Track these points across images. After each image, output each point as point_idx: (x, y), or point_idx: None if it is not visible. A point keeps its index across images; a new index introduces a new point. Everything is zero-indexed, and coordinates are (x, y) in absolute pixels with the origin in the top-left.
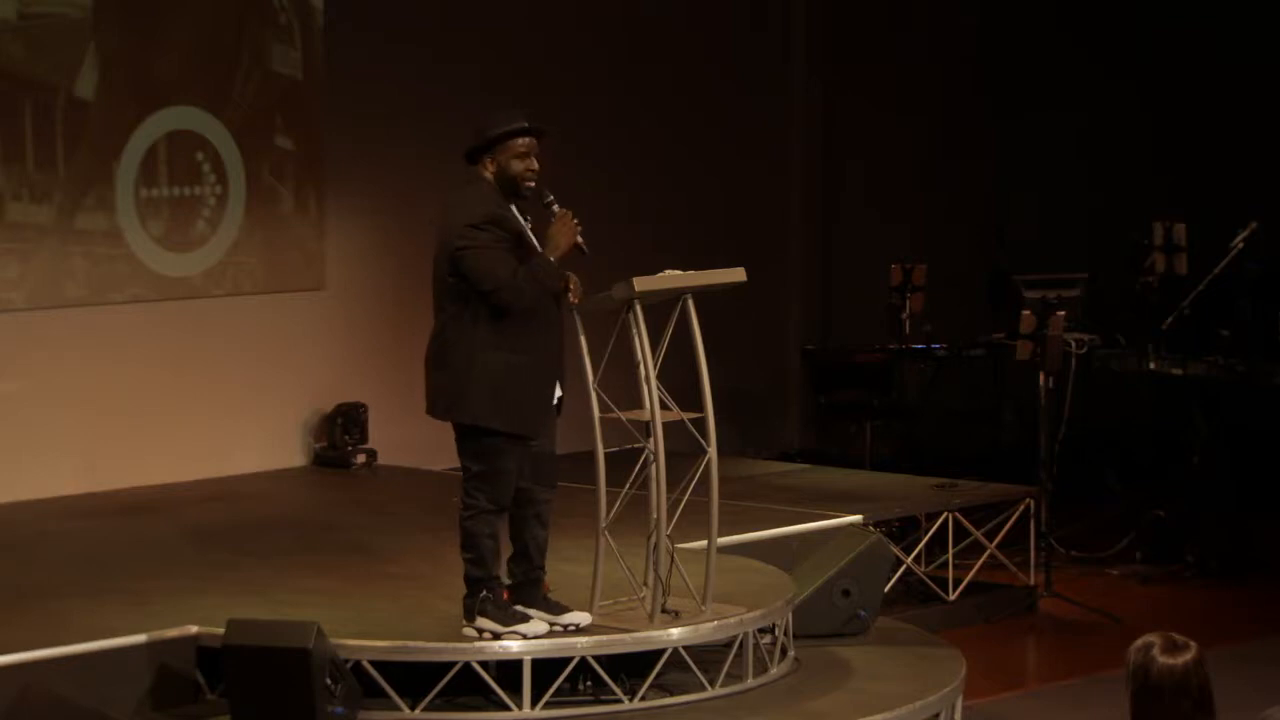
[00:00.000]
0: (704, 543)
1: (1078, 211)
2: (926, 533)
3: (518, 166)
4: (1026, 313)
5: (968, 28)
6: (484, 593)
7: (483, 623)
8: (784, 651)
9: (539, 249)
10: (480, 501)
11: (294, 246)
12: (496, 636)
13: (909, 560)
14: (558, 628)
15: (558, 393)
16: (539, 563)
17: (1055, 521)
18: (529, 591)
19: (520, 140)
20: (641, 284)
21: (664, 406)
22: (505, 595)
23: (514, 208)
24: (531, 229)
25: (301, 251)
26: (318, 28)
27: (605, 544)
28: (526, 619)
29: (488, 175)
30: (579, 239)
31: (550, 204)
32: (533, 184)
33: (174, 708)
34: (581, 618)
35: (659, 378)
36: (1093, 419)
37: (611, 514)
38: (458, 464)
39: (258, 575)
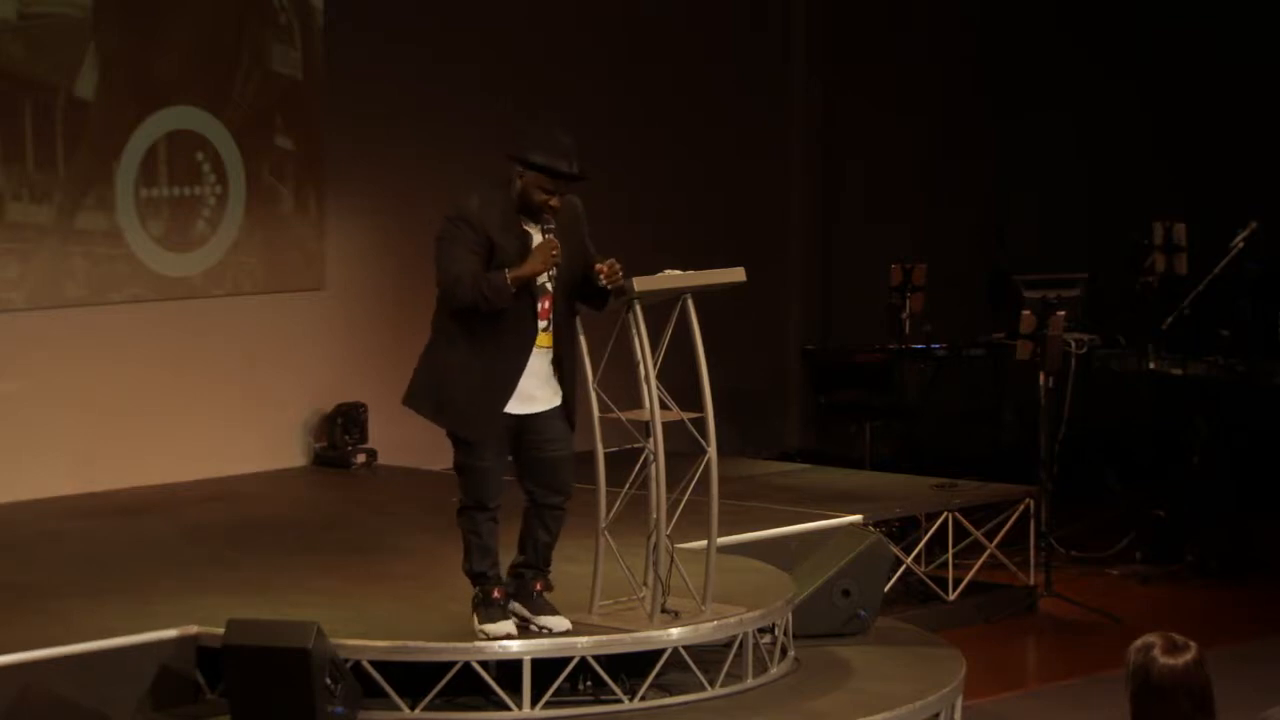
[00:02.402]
0: (704, 543)
1: (1078, 211)
2: (926, 533)
3: (539, 197)
4: (1026, 313)
5: (968, 28)
6: (476, 589)
7: (474, 620)
8: (784, 651)
9: (507, 264)
10: (462, 497)
11: (294, 246)
12: (488, 635)
13: (909, 560)
14: (533, 627)
15: (555, 400)
16: (531, 561)
17: (1055, 521)
18: (517, 586)
19: (552, 180)
20: (641, 284)
21: (664, 406)
22: (497, 593)
23: (524, 219)
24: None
25: (301, 251)
26: (318, 28)
27: (605, 544)
28: (496, 620)
29: (516, 184)
30: (549, 271)
31: (547, 231)
32: (549, 215)
33: (174, 708)
34: (558, 623)
35: (659, 378)
36: (1093, 419)
37: (611, 514)
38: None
39: (258, 575)
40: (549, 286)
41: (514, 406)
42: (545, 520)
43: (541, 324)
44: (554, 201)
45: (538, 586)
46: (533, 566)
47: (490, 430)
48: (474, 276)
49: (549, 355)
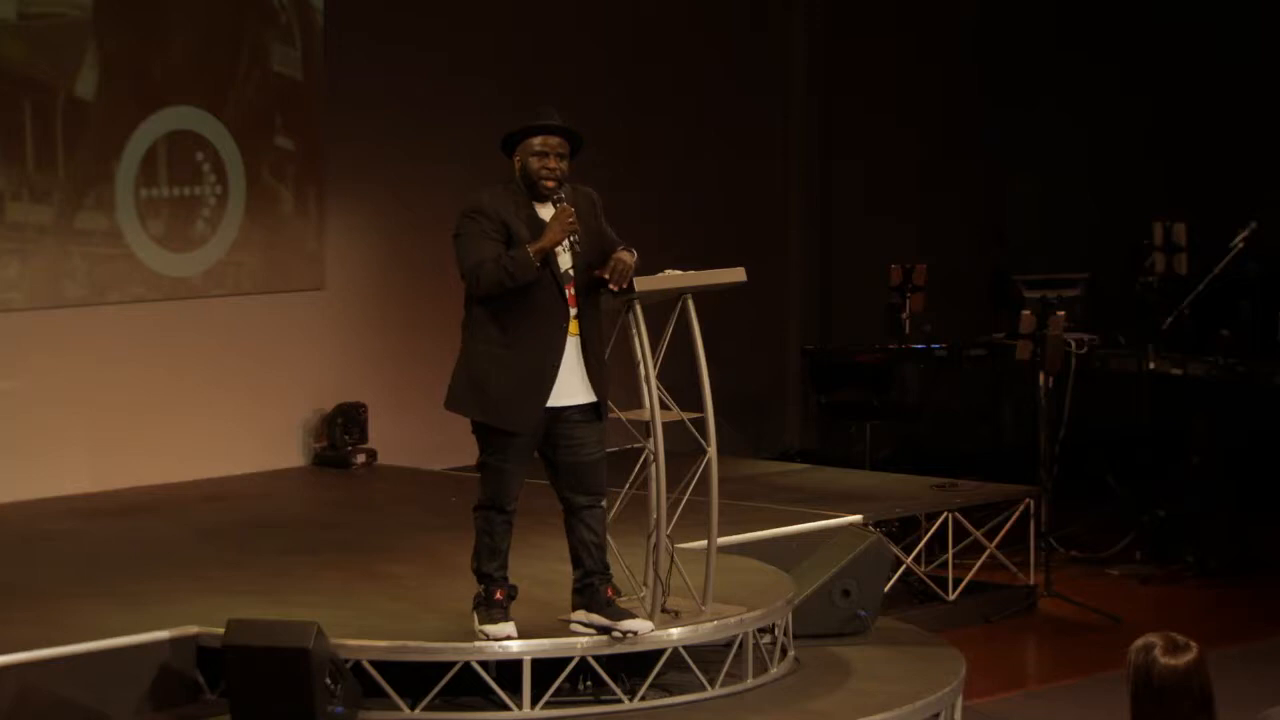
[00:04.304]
0: (704, 543)
1: (1078, 211)
2: (926, 533)
3: (534, 165)
4: (1026, 313)
5: (967, 28)
6: (480, 589)
7: (474, 620)
8: (784, 651)
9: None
10: (480, 495)
11: (294, 246)
12: (488, 636)
13: (909, 560)
14: (615, 633)
15: (588, 398)
16: (590, 568)
17: (1055, 521)
18: (588, 598)
19: (536, 140)
20: (641, 284)
21: (664, 406)
22: (499, 594)
23: (535, 205)
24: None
25: (301, 251)
26: (318, 28)
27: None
28: (498, 621)
29: (515, 170)
30: (571, 236)
31: (558, 201)
32: (551, 183)
33: (174, 708)
34: (642, 625)
35: (659, 378)
36: (1093, 419)
37: (611, 514)
38: (457, 464)
39: (258, 575)
40: (572, 274)
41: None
42: (586, 520)
43: (571, 311)
44: (551, 164)
45: (610, 593)
46: (596, 573)
47: (533, 421)
48: (495, 258)
49: (577, 343)
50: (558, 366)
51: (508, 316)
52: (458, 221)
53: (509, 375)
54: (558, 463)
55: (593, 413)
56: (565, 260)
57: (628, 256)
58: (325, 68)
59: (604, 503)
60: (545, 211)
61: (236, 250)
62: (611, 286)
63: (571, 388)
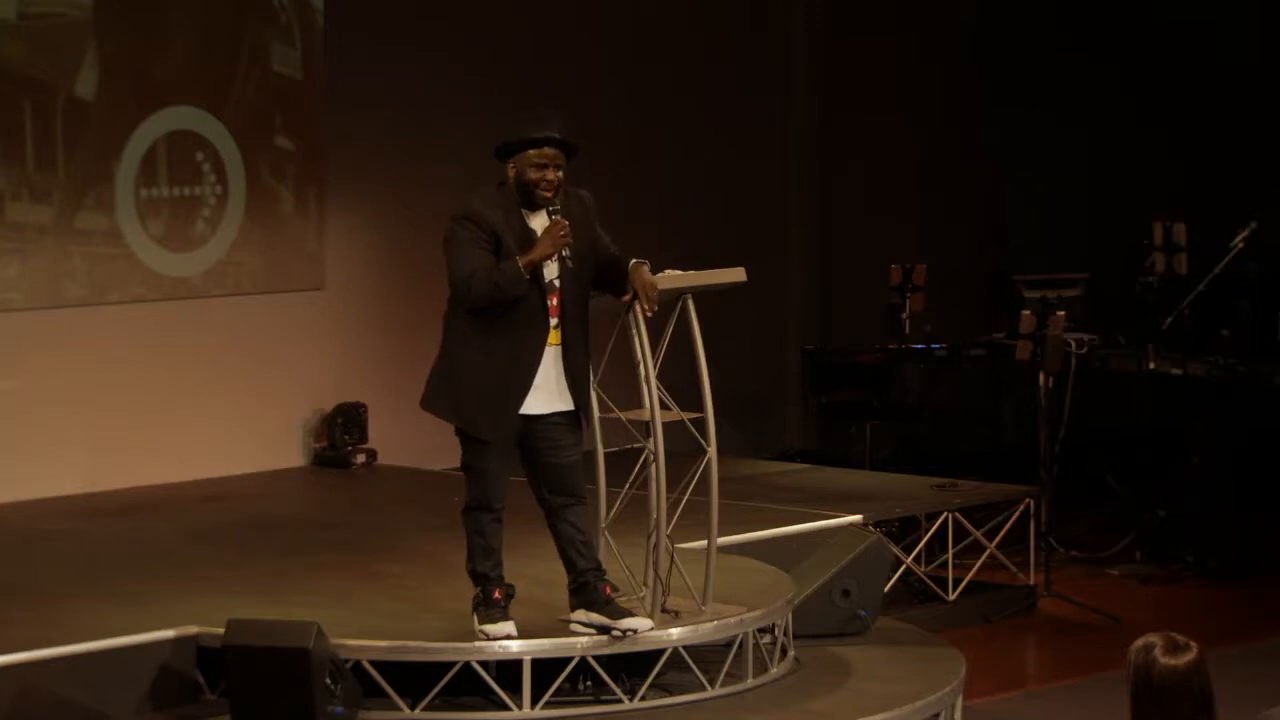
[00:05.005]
0: (704, 543)
1: (1078, 211)
2: (926, 533)
3: (532, 175)
4: (1026, 313)
5: (967, 28)
6: (477, 590)
7: (474, 620)
8: (784, 651)
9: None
10: (467, 497)
11: (294, 246)
12: (488, 635)
13: (909, 560)
14: (615, 632)
15: (566, 406)
16: (584, 566)
17: (1055, 521)
18: (586, 597)
19: (533, 151)
20: None
21: (664, 406)
22: (498, 593)
23: (526, 213)
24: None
25: (301, 251)
26: (318, 28)
27: (605, 544)
28: (498, 621)
29: (510, 176)
30: (564, 252)
31: (553, 213)
32: (548, 194)
33: (174, 708)
34: (641, 623)
35: (659, 378)
36: (1093, 419)
37: (611, 514)
38: (458, 464)
39: (258, 575)
40: (557, 284)
41: (523, 406)
42: (568, 518)
43: (552, 321)
44: (550, 175)
45: (608, 590)
46: (590, 570)
47: (505, 430)
48: (486, 270)
49: (557, 352)
50: (533, 376)
51: (489, 323)
52: (448, 226)
53: (484, 383)
54: (538, 464)
55: (572, 417)
56: (552, 270)
57: (648, 273)
58: (325, 68)
59: (585, 502)
60: (537, 221)
61: (236, 250)
62: (645, 312)
63: (548, 397)
